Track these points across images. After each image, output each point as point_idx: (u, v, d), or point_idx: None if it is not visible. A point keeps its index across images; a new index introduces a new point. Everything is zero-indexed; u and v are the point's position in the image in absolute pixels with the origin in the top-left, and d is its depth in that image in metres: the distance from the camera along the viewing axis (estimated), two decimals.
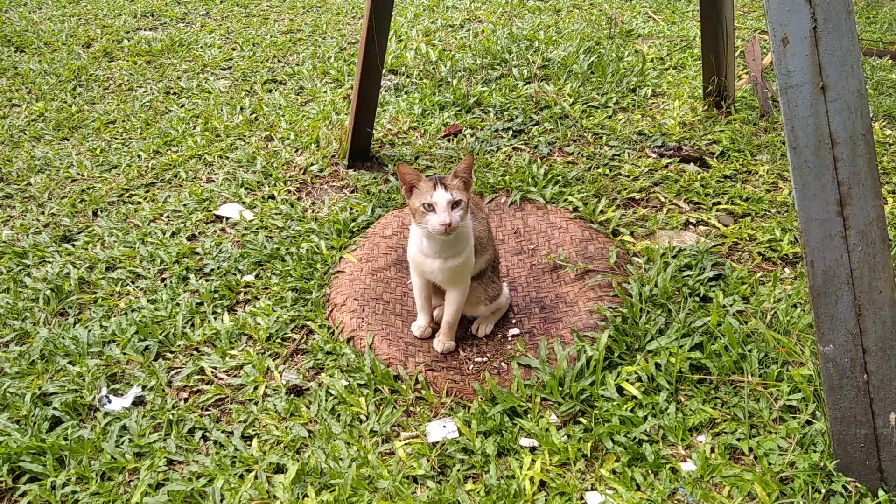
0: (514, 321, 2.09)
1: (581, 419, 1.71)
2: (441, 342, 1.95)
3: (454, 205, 1.70)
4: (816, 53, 1.46)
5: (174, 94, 3.63)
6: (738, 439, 1.62)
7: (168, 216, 2.60)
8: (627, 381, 1.78)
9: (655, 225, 2.45)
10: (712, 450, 1.62)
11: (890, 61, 3.73)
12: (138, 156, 3.00)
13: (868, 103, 1.44)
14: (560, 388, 1.77)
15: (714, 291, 2.06)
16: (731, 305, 1.99)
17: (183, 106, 3.47)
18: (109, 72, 3.86)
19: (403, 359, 1.90)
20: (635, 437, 1.64)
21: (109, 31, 4.39)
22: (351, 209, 2.59)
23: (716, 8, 2.92)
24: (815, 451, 1.55)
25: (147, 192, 2.76)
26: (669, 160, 2.85)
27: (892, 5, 4.68)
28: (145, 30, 4.48)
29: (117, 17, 4.65)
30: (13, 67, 3.89)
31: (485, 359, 1.95)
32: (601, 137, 3.07)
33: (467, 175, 1.75)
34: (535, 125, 3.21)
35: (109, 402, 1.78)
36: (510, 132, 3.17)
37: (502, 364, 1.92)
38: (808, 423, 1.63)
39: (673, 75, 3.64)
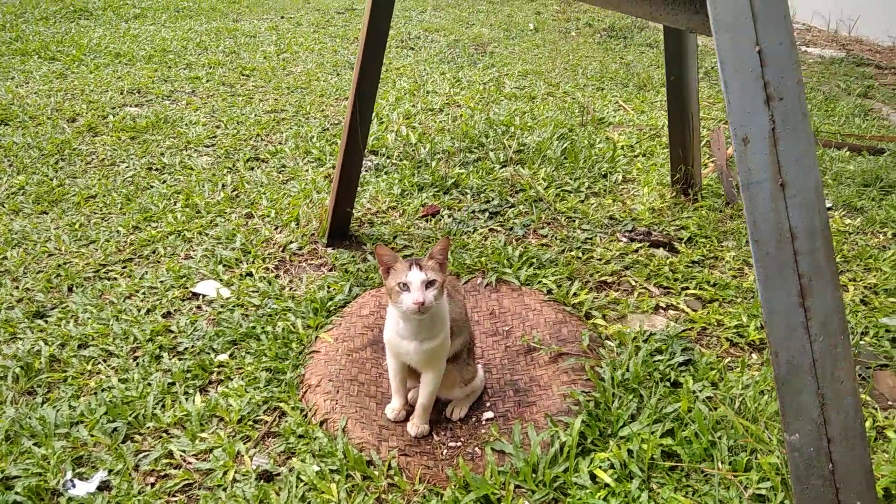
0: (488, 404, 2.10)
1: None
2: (415, 426, 1.95)
3: (428, 284, 1.74)
4: (775, 153, 1.55)
5: (156, 169, 3.68)
6: None
7: (144, 293, 2.60)
8: (600, 468, 1.79)
9: (627, 308, 2.50)
10: None
11: (848, 153, 3.92)
12: (117, 231, 3.02)
13: (824, 200, 1.52)
14: (534, 475, 1.77)
15: (684, 376, 2.10)
16: (700, 391, 2.02)
17: (165, 182, 3.52)
18: (93, 146, 3.91)
19: (377, 443, 1.89)
20: None
21: (95, 107, 4.47)
22: (328, 288, 2.62)
23: (682, 100, 3.09)
24: None
25: (124, 267, 2.77)
26: (640, 244, 2.94)
27: (849, 99, 4.96)
28: (131, 106, 4.58)
29: (104, 92, 4.75)
30: None
31: (459, 443, 1.94)
32: (574, 221, 3.17)
33: (443, 257, 1.80)
34: (510, 207, 3.30)
35: (74, 486, 1.74)
36: (486, 214, 3.25)
37: (476, 449, 1.91)
38: None
39: (642, 162, 3.79)
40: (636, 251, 2.89)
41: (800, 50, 6.40)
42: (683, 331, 2.36)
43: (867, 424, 1.98)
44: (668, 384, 2.08)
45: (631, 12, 1.85)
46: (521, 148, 3.95)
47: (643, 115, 4.52)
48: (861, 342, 2.34)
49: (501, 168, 3.71)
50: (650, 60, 5.83)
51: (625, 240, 3.01)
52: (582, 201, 3.36)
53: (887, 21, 6.30)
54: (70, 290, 2.62)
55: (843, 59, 6.02)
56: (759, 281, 1.55)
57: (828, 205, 3.31)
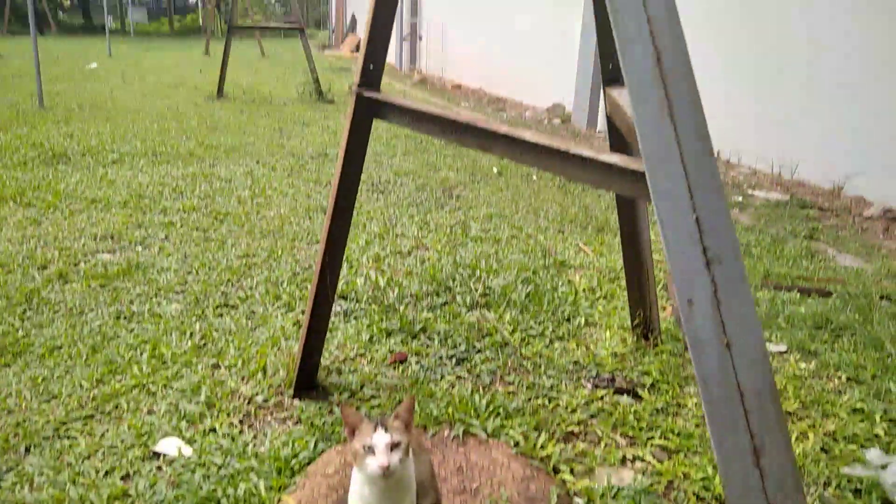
0: None
1: None
2: None
3: (394, 446, 1.75)
4: (719, 314, 1.65)
5: (125, 318, 3.69)
6: None
7: (104, 452, 2.54)
8: None
9: (594, 461, 2.51)
10: None
11: (798, 295, 4.11)
12: (80, 385, 2.98)
13: (769, 358, 1.61)
14: None
15: None
16: None
17: (132, 331, 3.53)
18: (62, 294, 3.93)
19: None
20: None
21: (67, 254, 4.53)
22: (293, 444, 2.59)
23: (636, 247, 3.26)
24: None
25: (85, 424, 2.71)
26: (604, 391, 2.99)
27: (796, 241, 5.25)
28: (103, 252, 4.64)
29: (77, 239, 4.82)
30: None
31: None
32: (539, 367, 3.22)
33: (408, 416, 1.83)
34: (477, 353, 3.36)
35: None
36: (454, 360, 3.30)
37: None
38: None
39: (604, 305, 3.92)
40: (601, 398, 2.94)
41: (746, 193, 6.83)
42: (651, 484, 2.37)
43: None
44: None
45: (582, 180, 2.01)
46: (487, 291, 4.07)
47: (602, 257, 4.72)
48: (824, 493, 2.37)
49: (468, 312, 3.80)
50: (607, 204, 6.15)
51: (590, 386, 3.06)
52: (547, 346, 3.44)
53: (826, 165, 6.80)
54: (27, 450, 2.55)
55: (787, 202, 6.43)
56: (713, 441, 1.59)
57: (783, 348, 3.43)
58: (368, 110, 2.70)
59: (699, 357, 1.65)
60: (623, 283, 4.15)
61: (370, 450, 1.75)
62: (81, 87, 13.12)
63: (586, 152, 1.84)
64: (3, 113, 9.65)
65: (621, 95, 2.69)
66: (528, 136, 2.01)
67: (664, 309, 3.85)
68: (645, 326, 3.42)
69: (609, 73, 2.86)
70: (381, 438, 1.76)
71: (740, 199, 6.57)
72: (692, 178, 1.59)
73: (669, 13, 1.56)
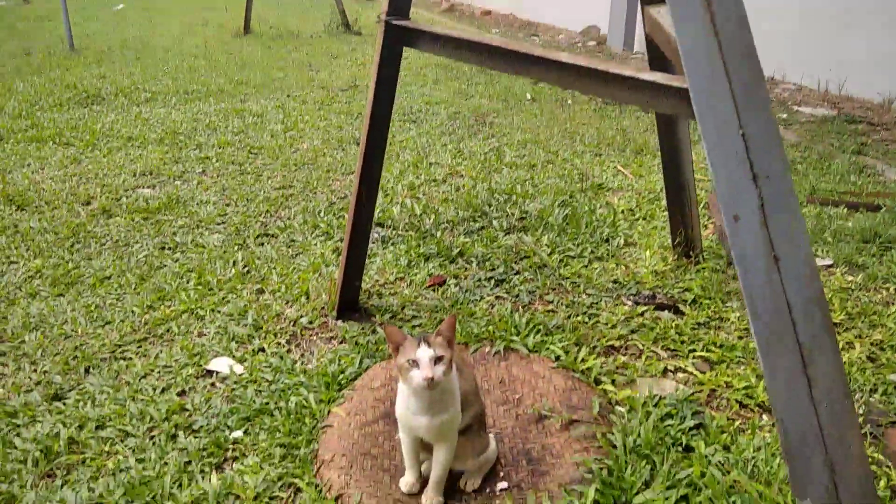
0: (501, 474, 2.11)
1: None
2: (430, 498, 1.96)
3: (437, 360, 1.79)
4: (766, 229, 1.61)
5: (169, 249, 3.78)
6: None
7: (159, 372, 2.64)
8: None
9: (636, 373, 2.53)
10: None
11: (845, 210, 4.01)
12: (132, 311, 3.09)
13: (817, 271, 1.58)
14: None
15: (696, 441, 2.11)
16: (712, 455, 2.04)
17: (177, 261, 3.61)
18: (107, 229, 4.03)
19: None
20: None
21: (109, 190, 4.62)
22: (339, 361, 2.66)
23: (677, 167, 3.19)
24: None
25: (139, 347, 2.82)
26: (645, 308, 2.99)
27: (843, 157, 5.08)
28: (144, 188, 4.72)
29: (117, 175, 4.91)
30: (13, 226, 4.05)
31: None
32: (579, 286, 3.22)
33: (450, 333, 1.86)
34: (515, 274, 3.37)
35: None
36: (492, 282, 3.32)
37: None
38: None
39: (643, 226, 3.88)
40: (642, 314, 2.94)
41: (792, 109, 6.59)
42: (693, 394, 2.38)
43: (881, 484, 1.99)
44: (680, 449, 2.09)
45: (622, 100, 1.95)
46: (524, 215, 4.05)
47: (641, 179, 4.64)
48: (871, 399, 2.36)
49: (505, 236, 3.80)
50: (645, 126, 6.00)
51: (630, 303, 3.06)
52: (586, 266, 3.43)
53: (876, 79, 6.50)
54: (87, 371, 2.67)
55: (834, 118, 6.19)
56: (760, 354, 1.59)
57: (828, 262, 3.37)
58: (398, 39, 2.63)
59: (745, 272, 1.62)
60: (663, 203, 4.09)
61: (414, 363, 1.79)
62: (109, 29, 13.09)
63: (626, 71, 1.78)
64: (36, 56, 9.71)
65: (661, 14, 2.58)
66: (565, 57, 1.95)
67: (705, 227, 3.79)
68: (686, 245, 3.38)
69: None
70: (424, 353, 1.79)
71: (785, 115, 6.35)
72: (738, 94, 1.53)
73: None
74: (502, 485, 2.06)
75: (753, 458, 2.01)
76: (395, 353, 1.85)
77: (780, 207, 1.59)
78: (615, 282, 3.26)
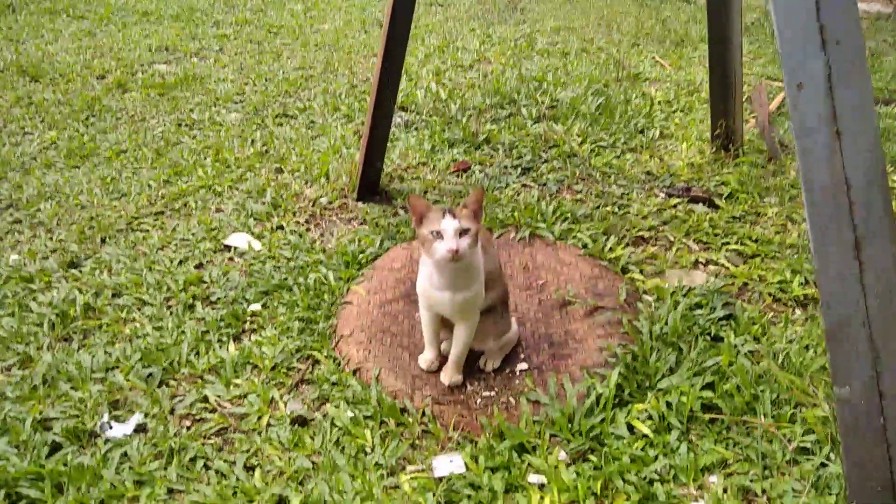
0: (522, 356, 2.06)
1: (591, 457, 1.67)
2: (448, 375, 1.92)
3: (462, 233, 1.69)
4: (831, 99, 1.46)
5: (186, 125, 3.67)
6: (751, 480, 1.59)
7: (176, 244, 2.60)
8: (638, 419, 1.75)
9: (665, 264, 2.44)
10: (725, 490, 1.58)
11: (895, 109, 3.77)
12: (148, 185, 3.02)
13: (881, 149, 1.44)
14: (569, 425, 1.74)
15: (725, 331, 2.04)
16: (742, 346, 1.97)
17: (194, 137, 3.51)
18: (122, 103, 3.91)
19: (410, 392, 1.88)
20: (646, 477, 1.61)
21: (124, 64, 4.46)
22: (359, 241, 2.59)
23: (725, 54, 2.97)
24: (829, 495, 1.52)
25: (156, 220, 2.77)
26: (678, 200, 2.85)
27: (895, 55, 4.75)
28: (159, 63, 4.56)
29: (132, 50, 4.73)
30: (28, 97, 3.94)
31: (493, 393, 1.92)
32: (609, 177, 3.09)
33: (477, 206, 1.75)
34: (543, 163, 3.23)
35: (111, 428, 1.75)
36: (519, 169, 3.19)
37: (510, 399, 1.89)
38: (823, 465, 1.60)
39: (680, 118, 3.68)
40: (674, 207, 2.81)
41: None
42: (724, 286, 2.29)
43: None
44: (708, 338, 2.02)
45: None
46: (554, 104, 3.86)
47: (681, 70, 4.38)
48: None
49: (534, 124, 3.62)
50: (687, 16, 5.64)
51: (663, 195, 2.92)
52: (617, 157, 3.27)
53: None
54: (103, 241, 2.63)
55: (889, 15, 5.77)
56: (811, 232, 1.48)
57: None
58: None
59: (804, 147, 1.48)
60: (703, 95, 3.87)
61: (438, 235, 1.70)
62: None
63: None
64: None
65: None
66: None
67: (747, 122, 3.58)
68: (726, 137, 3.20)
69: None
70: (449, 224, 1.69)
71: None
72: None
73: None
74: (523, 366, 2.02)
75: (785, 350, 1.94)
76: (418, 224, 1.75)
77: (848, 77, 1.44)
78: (648, 173, 3.11)
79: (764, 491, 1.56)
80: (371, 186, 3.00)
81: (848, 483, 1.46)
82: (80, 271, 2.43)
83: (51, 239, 2.63)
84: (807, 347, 1.95)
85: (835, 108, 1.46)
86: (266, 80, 4.29)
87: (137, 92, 4.05)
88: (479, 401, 1.89)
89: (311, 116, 3.80)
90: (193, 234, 2.64)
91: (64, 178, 3.07)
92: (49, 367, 1.95)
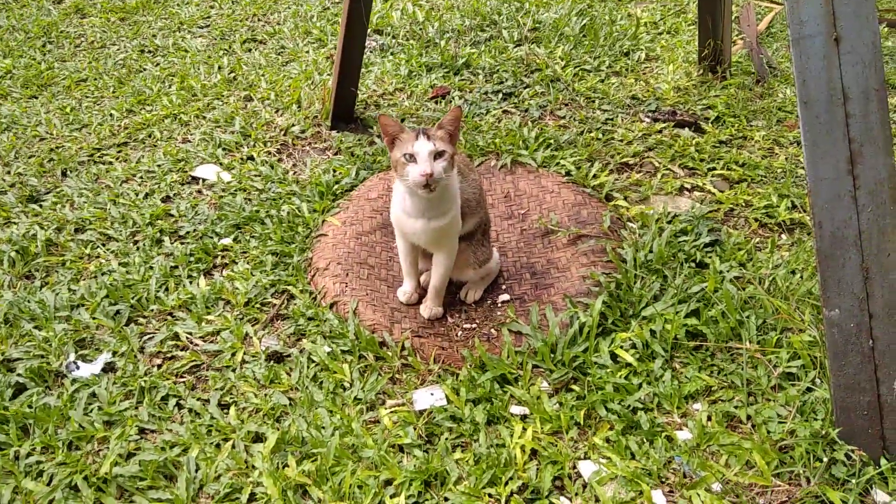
0: (504, 287, 2.01)
1: (573, 387, 1.64)
2: (428, 308, 1.87)
3: (437, 156, 1.59)
4: (831, 3, 1.38)
5: (149, 52, 3.47)
6: (736, 407, 1.57)
7: (141, 177, 2.48)
8: (621, 347, 1.72)
9: (650, 190, 2.37)
10: (709, 418, 1.56)
11: (886, 28, 3.65)
12: (110, 115, 2.87)
13: (881, 57, 1.36)
14: (552, 355, 1.70)
15: (710, 257, 1.99)
16: (727, 271, 1.92)
17: (158, 64, 3.33)
18: (81, 29, 3.69)
19: (389, 325, 1.82)
20: (629, 405, 1.58)
21: None
22: (334, 171, 2.49)
23: None
24: (815, 419, 1.50)
25: (119, 151, 2.63)
26: (664, 125, 2.76)
27: None
28: None
29: None
30: None
31: (474, 325, 1.87)
32: (594, 101, 2.98)
33: (453, 127, 1.64)
34: (525, 88, 3.10)
35: (77, 368, 1.69)
36: (500, 95, 3.06)
37: (492, 331, 1.84)
38: (809, 390, 1.58)
39: (667, 39, 3.54)
40: (660, 132, 2.72)
41: None
42: (710, 212, 2.24)
43: None
44: (693, 265, 1.98)
45: None
46: (537, 25, 3.69)
47: None
48: None
49: (515, 47, 3.47)
50: None
51: (648, 120, 2.83)
52: (602, 81, 3.15)
53: None
54: (64, 174, 2.50)
55: None
56: (805, 146, 1.41)
57: None
58: None
59: (801, 54, 1.39)
60: (690, 17, 3.72)
61: (412, 158, 1.59)
62: None
63: None
64: None
65: None
66: None
67: (735, 43, 3.46)
68: (713, 59, 3.08)
69: None
70: (423, 146, 1.58)
71: None
72: None
73: None
74: (504, 297, 1.97)
75: (771, 275, 1.90)
76: (390, 146, 1.64)
77: None
78: (633, 97, 3.00)
79: (749, 417, 1.55)
80: (345, 114, 2.87)
81: (834, 406, 1.44)
82: (41, 206, 2.32)
83: (8, 173, 2.50)
84: (793, 272, 1.91)
85: (834, 12, 1.38)
86: (233, 2, 4.06)
87: (96, 17, 3.82)
88: (459, 333, 1.84)
89: (281, 41, 3.61)
90: (159, 166, 2.52)
91: (21, 109, 2.91)
92: (10, 305, 1.87)
